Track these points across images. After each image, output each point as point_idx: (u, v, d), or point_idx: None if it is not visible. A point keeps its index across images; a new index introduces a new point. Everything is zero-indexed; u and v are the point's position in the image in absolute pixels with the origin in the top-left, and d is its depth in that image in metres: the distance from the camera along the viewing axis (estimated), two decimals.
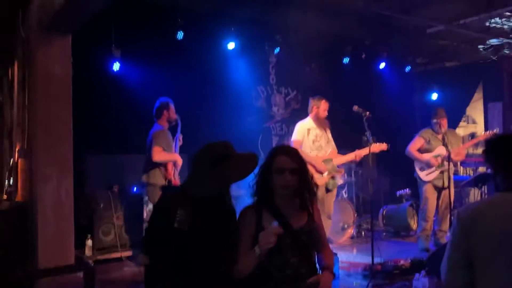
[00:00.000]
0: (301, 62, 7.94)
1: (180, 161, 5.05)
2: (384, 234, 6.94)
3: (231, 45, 6.70)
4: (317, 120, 5.32)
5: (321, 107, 5.30)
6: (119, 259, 5.35)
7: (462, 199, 8.23)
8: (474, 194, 9.61)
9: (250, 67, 7.39)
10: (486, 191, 6.10)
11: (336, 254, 4.45)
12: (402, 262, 4.47)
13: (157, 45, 6.06)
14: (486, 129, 9.50)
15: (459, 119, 9.97)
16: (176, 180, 5.03)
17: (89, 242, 5.21)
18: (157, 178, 4.85)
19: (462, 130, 10.01)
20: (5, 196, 4.81)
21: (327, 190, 5.33)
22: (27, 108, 4.53)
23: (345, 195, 7.10)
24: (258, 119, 7.70)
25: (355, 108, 4.85)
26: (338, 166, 5.43)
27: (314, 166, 5.18)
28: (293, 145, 5.31)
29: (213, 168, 2.28)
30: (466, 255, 1.90)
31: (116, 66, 5.70)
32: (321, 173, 5.21)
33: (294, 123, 8.03)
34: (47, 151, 4.30)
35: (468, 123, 10.61)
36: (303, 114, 8.10)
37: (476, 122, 10.62)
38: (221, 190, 2.36)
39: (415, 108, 9.81)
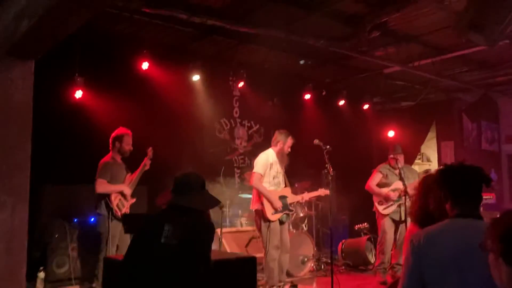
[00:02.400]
0: (264, 96, 8.12)
1: (128, 191, 5.11)
2: (343, 267, 7.00)
3: (196, 77, 6.79)
4: (280, 155, 5.38)
5: (287, 143, 5.38)
6: None
7: None
8: None
9: (214, 100, 7.48)
10: None
11: (296, 286, 4.47)
12: None
13: (121, 75, 6.06)
14: (439, 166, 9.90)
15: (415, 156, 10.37)
16: (124, 210, 5.03)
17: (41, 275, 4.99)
18: (103, 209, 4.95)
19: (417, 167, 10.38)
20: None
21: (281, 223, 5.33)
22: None
23: (305, 228, 7.16)
24: (220, 150, 7.75)
25: (316, 141, 4.98)
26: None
27: (271, 202, 5.20)
28: (254, 177, 5.33)
29: (203, 190, 2.75)
30: (420, 280, 1.98)
31: (78, 94, 5.64)
32: (276, 209, 5.22)
33: (256, 156, 8.17)
34: (3, 178, 4.14)
35: (423, 161, 11.03)
36: (265, 147, 8.25)
37: (430, 160, 11.06)
38: (210, 207, 2.87)
39: (373, 144, 10.13)
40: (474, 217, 2.01)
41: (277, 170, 5.36)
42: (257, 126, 8.46)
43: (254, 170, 5.37)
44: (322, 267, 6.88)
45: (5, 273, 4.04)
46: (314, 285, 5.96)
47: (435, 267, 1.94)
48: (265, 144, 8.40)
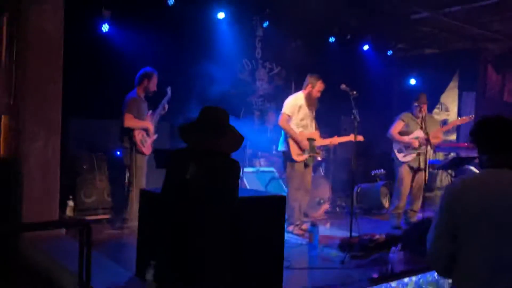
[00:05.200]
0: (287, 38, 7.99)
1: (151, 128, 5.27)
2: (358, 211, 7.19)
3: (221, 15, 6.69)
4: (309, 99, 5.39)
5: (317, 87, 5.35)
6: (100, 221, 5.39)
7: (430, 182, 8.57)
8: (441, 178, 10.05)
9: (237, 39, 7.39)
10: (454, 175, 6.42)
11: (316, 226, 4.66)
12: (377, 236, 4.69)
13: (147, 10, 5.99)
14: (459, 116, 9.86)
15: (434, 105, 10.29)
16: (147, 147, 5.18)
17: (71, 203, 5.23)
18: (126, 143, 5.12)
19: (436, 117, 10.36)
20: None
21: (306, 166, 5.47)
22: (15, 64, 4.45)
23: (322, 172, 7.29)
24: (241, 92, 7.76)
25: (343, 86, 4.96)
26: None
27: (298, 143, 5.31)
28: (281, 117, 5.40)
29: (228, 128, 2.59)
30: (451, 226, 2.07)
31: (105, 28, 5.62)
32: (302, 150, 5.33)
33: (276, 98, 8.20)
34: (36, 110, 4.27)
35: (441, 110, 10.95)
36: (286, 90, 8.25)
37: (449, 110, 10.97)
38: (238, 147, 2.66)
39: (394, 91, 10.05)
40: (509, 167, 2.07)
41: (305, 113, 5.40)
42: (279, 68, 8.40)
43: (282, 111, 5.43)
44: (337, 209, 7.10)
45: (42, 197, 4.27)
46: (328, 225, 6.17)
47: (467, 216, 2.01)
48: (286, 87, 8.42)
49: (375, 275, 3.73)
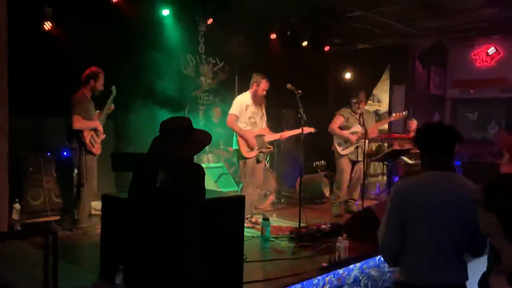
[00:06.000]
0: (230, 34, 8.12)
1: (100, 127, 5.30)
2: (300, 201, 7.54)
3: (165, 12, 6.69)
4: (255, 97, 5.60)
5: (261, 86, 5.55)
6: (48, 223, 5.30)
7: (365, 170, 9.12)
8: (374, 167, 10.74)
9: (181, 35, 7.42)
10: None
11: (267, 219, 4.91)
12: (323, 226, 5.04)
13: (91, 7, 5.88)
14: (390, 108, 10.56)
15: (367, 97, 10.89)
16: (96, 146, 5.21)
17: (17, 206, 5.09)
18: (74, 143, 5.12)
19: (367, 107, 10.98)
20: None
21: (257, 161, 5.72)
22: None
23: (267, 165, 7.57)
24: (186, 87, 7.81)
25: (289, 86, 5.22)
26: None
27: (246, 141, 5.52)
28: (229, 118, 5.59)
29: (188, 134, 2.65)
30: (399, 221, 2.38)
31: (47, 26, 5.47)
32: (251, 148, 5.55)
33: (220, 93, 8.34)
34: None
35: (373, 102, 11.65)
36: (230, 85, 8.41)
37: (380, 101, 11.70)
38: (197, 151, 2.77)
39: (330, 85, 10.52)
40: (448, 170, 2.40)
41: (253, 111, 5.61)
42: (222, 63, 8.53)
43: (230, 111, 5.62)
44: (282, 200, 7.42)
45: None
46: (274, 216, 6.46)
47: (413, 212, 2.34)
48: (230, 81, 8.57)
49: (324, 264, 4.04)
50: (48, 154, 5.49)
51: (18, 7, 5.11)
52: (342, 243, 4.22)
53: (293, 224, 5.37)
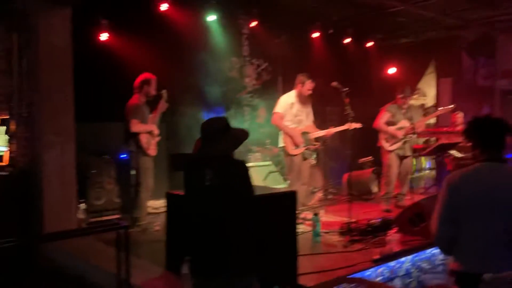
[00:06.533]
0: (272, 35, 8.28)
1: (156, 130, 5.57)
2: (348, 197, 7.60)
3: (211, 17, 6.95)
4: (300, 96, 5.74)
5: (306, 86, 5.68)
6: (110, 221, 5.65)
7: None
8: (422, 162, 10.58)
9: (225, 38, 7.67)
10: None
11: (317, 214, 5.04)
12: (373, 221, 5.12)
13: (142, 17, 6.20)
14: (437, 101, 10.39)
15: (412, 92, 10.76)
16: (152, 148, 5.49)
17: (83, 206, 5.46)
18: (132, 146, 5.38)
19: (413, 102, 10.84)
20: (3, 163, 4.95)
21: (304, 159, 5.86)
22: (27, 78, 4.65)
23: (313, 162, 7.66)
24: (231, 89, 8.05)
25: (334, 84, 5.32)
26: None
27: (292, 138, 5.68)
28: (274, 116, 5.76)
29: (225, 133, 2.85)
30: (452, 212, 2.47)
31: (103, 37, 5.82)
32: (297, 145, 5.70)
33: (265, 94, 8.52)
34: (51, 120, 4.50)
35: (419, 96, 11.48)
36: (274, 85, 8.58)
37: (426, 95, 11.51)
38: (235, 147, 2.94)
39: (373, 81, 10.46)
40: (500, 161, 2.47)
41: (299, 109, 5.75)
42: (266, 64, 8.70)
43: (274, 110, 5.78)
44: (329, 197, 7.51)
45: (61, 202, 4.52)
46: (323, 212, 6.57)
47: (465, 203, 2.42)
48: (273, 82, 8.74)
49: (377, 256, 4.13)
50: (108, 157, 5.85)
51: (77, 20, 5.50)
52: (393, 236, 4.30)
53: (342, 219, 5.47)
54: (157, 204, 6.12)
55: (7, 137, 5.38)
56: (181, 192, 3.38)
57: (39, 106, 4.50)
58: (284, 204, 3.56)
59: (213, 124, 2.89)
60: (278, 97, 6.07)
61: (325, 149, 7.84)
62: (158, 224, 5.47)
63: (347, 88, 5.20)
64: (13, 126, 4.96)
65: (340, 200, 7.25)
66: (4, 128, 5.59)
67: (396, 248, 4.32)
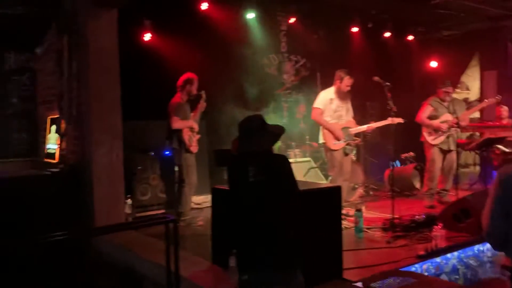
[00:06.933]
0: (310, 31, 8.27)
1: (196, 127, 5.70)
2: (390, 193, 7.50)
3: (250, 15, 7.01)
4: (339, 92, 5.73)
5: (344, 82, 5.66)
6: (155, 216, 5.81)
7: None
8: (466, 157, 10.29)
9: (264, 36, 7.72)
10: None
11: (361, 210, 5.02)
12: (417, 217, 5.05)
13: (183, 16, 6.34)
14: (481, 95, 10.08)
15: (455, 85, 10.49)
16: (194, 145, 5.61)
17: (129, 201, 5.65)
18: (175, 143, 5.51)
19: (456, 95, 10.56)
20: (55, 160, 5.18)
21: (345, 154, 5.85)
22: (76, 78, 4.86)
23: (354, 158, 7.62)
24: (269, 86, 8.09)
25: (376, 78, 5.27)
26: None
27: (332, 133, 5.68)
28: (313, 111, 5.77)
29: (261, 129, 2.95)
30: (504, 208, 2.42)
31: (147, 37, 5.99)
32: (338, 139, 5.69)
33: (303, 90, 8.52)
34: (100, 119, 4.68)
35: (462, 89, 11.17)
36: (312, 81, 8.56)
37: (469, 89, 11.19)
38: (273, 143, 3.06)
39: (415, 75, 10.27)
40: None
41: (338, 104, 5.74)
42: (304, 60, 8.70)
43: (314, 105, 5.79)
44: (370, 193, 7.44)
45: (110, 198, 4.70)
46: (364, 208, 6.52)
47: None
48: (312, 78, 8.72)
49: (422, 252, 4.08)
50: (152, 154, 6.02)
51: (122, 21, 5.67)
52: (438, 232, 4.24)
53: (384, 215, 5.42)
54: (199, 200, 6.26)
55: (57, 135, 5.67)
56: (225, 187, 3.46)
57: (88, 106, 4.69)
58: (329, 200, 3.58)
59: (249, 122, 2.98)
60: (316, 93, 6.08)
61: (366, 145, 7.78)
62: (201, 219, 5.60)
63: (389, 83, 5.14)
64: (63, 125, 5.19)
65: (382, 196, 7.17)
66: (55, 127, 5.90)
67: (442, 244, 4.25)
